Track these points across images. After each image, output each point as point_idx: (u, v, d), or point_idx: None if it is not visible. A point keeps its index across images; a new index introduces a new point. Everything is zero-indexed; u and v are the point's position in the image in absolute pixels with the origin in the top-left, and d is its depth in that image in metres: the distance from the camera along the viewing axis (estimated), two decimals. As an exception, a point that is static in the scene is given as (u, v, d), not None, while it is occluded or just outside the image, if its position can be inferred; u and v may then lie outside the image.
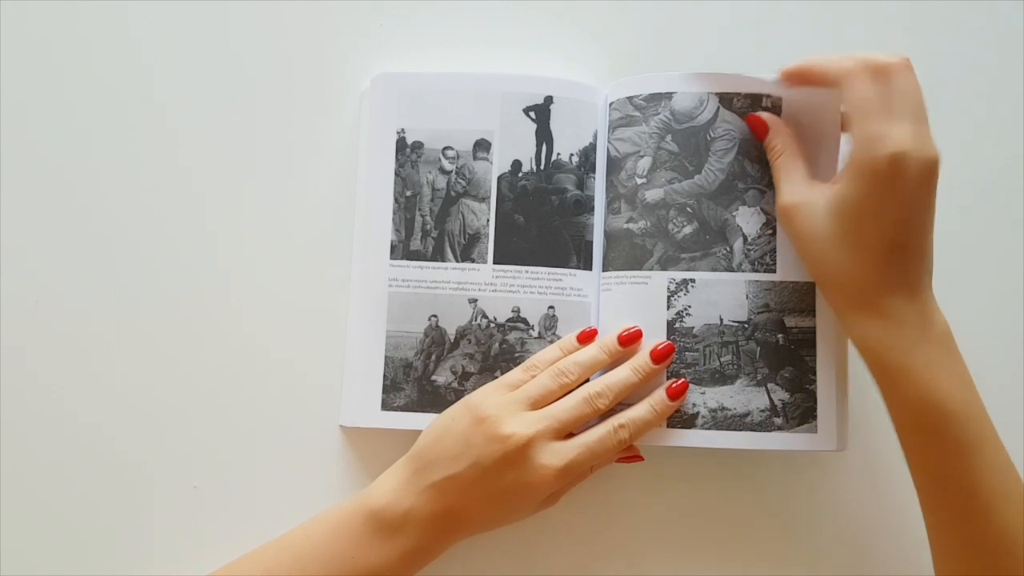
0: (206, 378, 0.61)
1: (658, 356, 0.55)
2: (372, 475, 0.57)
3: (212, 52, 0.63)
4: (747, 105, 0.57)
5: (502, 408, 0.52)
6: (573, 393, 0.54)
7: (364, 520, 0.52)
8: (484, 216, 0.59)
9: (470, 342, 0.58)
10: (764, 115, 0.56)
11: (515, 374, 0.55)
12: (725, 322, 0.56)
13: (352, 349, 0.60)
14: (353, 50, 0.63)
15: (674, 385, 0.55)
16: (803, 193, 0.53)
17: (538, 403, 0.53)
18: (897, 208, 0.48)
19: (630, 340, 0.55)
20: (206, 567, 0.54)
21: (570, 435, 0.53)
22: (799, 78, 0.54)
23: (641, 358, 0.55)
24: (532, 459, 0.51)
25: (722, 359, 0.56)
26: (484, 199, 0.59)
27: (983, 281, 0.63)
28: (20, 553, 0.60)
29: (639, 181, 0.58)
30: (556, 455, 0.51)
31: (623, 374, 0.54)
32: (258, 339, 0.61)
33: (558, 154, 0.59)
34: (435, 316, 0.59)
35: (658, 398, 0.54)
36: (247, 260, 0.62)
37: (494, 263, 0.58)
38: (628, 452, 0.56)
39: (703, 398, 0.56)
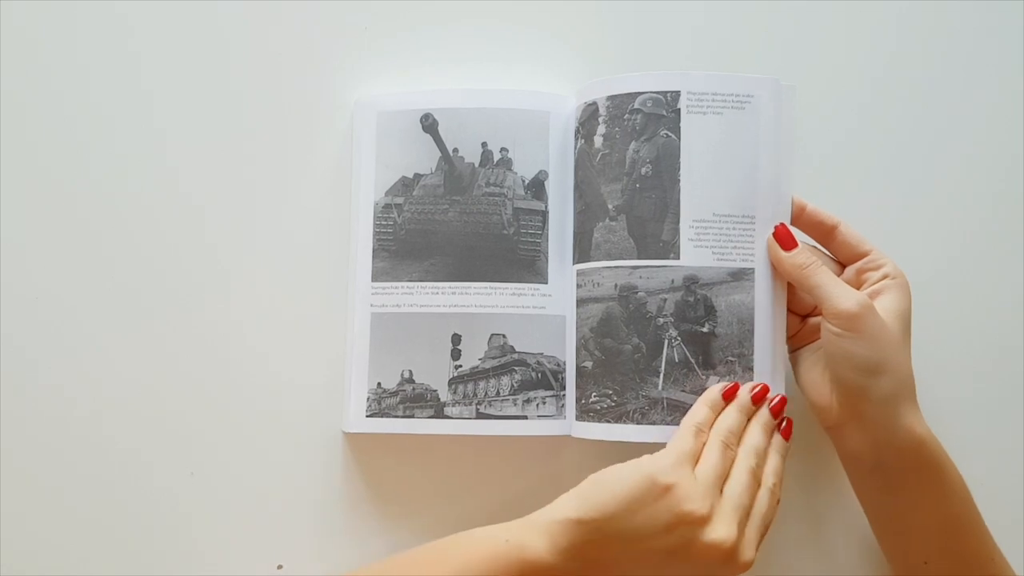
0: (204, 373, 0.62)
1: (776, 413, 0.56)
2: (366, 471, 0.60)
3: (207, 70, 0.64)
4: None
5: (706, 501, 0.50)
6: (742, 471, 0.53)
7: (520, 571, 0.50)
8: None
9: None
10: (792, 228, 0.58)
11: (688, 441, 0.53)
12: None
13: (350, 354, 0.61)
14: (343, 67, 0.64)
15: (774, 405, 0.56)
16: (864, 297, 0.54)
17: (720, 484, 0.52)
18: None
19: (760, 398, 0.56)
20: (201, 550, 0.57)
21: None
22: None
23: (765, 414, 0.56)
24: (736, 558, 0.51)
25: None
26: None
27: (982, 282, 0.65)
28: (22, 535, 0.61)
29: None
30: (750, 546, 0.51)
31: (759, 439, 0.55)
32: (256, 336, 0.63)
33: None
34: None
35: (779, 443, 0.56)
36: (247, 259, 0.63)
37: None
38: (786, 433, 0.57)
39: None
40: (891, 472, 0.55)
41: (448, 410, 0.60)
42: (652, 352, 0.58)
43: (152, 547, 0.61)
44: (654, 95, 0.58)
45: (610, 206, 0.59)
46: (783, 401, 0.56)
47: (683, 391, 0.57)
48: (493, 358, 0.60)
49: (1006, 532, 0.58)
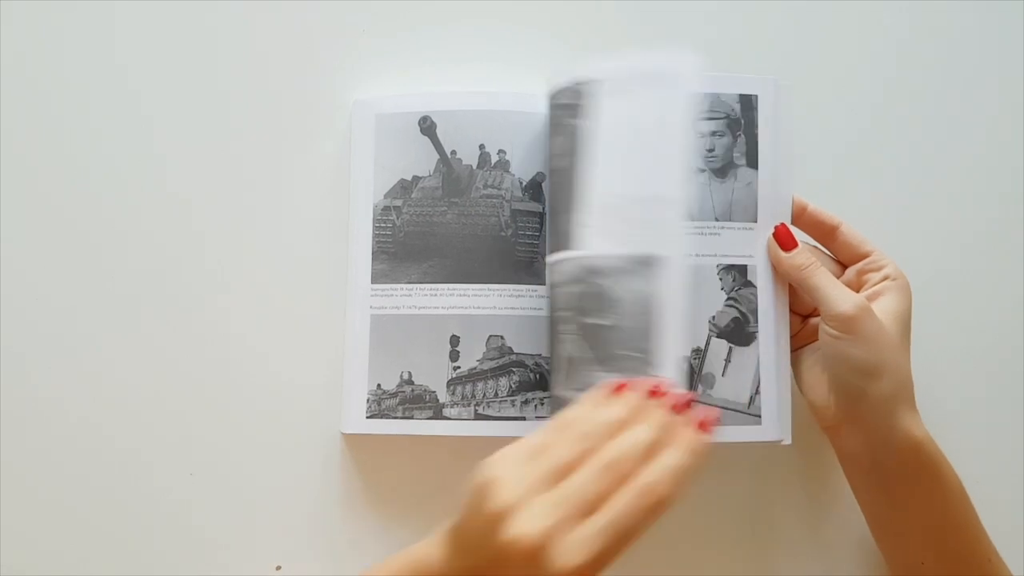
0: (203, 374, 0.62)
1: (680, 409, 0.48)
2: (365, 472, 0.61)
3: (206, 70, 0.64)
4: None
5: (517, 491, 0.43)
6: (595, 463, 0.44)
7: None
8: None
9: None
10: (792, 228, 0.57)
11: (539, 436, 0.46)
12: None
13: (349, 356, 0.61)
14: (342, 67, 0.64)
15: (704, 419, 0.48)
16: (862, 300, 0.54)
17: (560, 477, 0.44)
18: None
19: (659, 394, 0.48)
20: (200, 551, 0.57)
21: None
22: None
23: (659, 411, 0.47)
24: (543, 561, 0.41)
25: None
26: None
27: (983, 282, 0.65)
28: (22, 535, 0.61)
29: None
30: (574, 548, 0.41)
31: (643, 433, 0.46)
32: (256, 338, 0.62)
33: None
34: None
35: (687, 438, 0.46)
36: (247, 260, 0.63)
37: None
38: (704, 425, 0.48)
39: None
40: (888, 473, 0.55)
41: (447, 411, 0.60)
42: (555, 349, 0.57)
43: (151, 547, 0.61)
44: (567, 88, 0.57)
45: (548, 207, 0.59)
46: (689, 398, 0.49)
47: (575, 389, 0.53)
48: (491, 359, 0.60)
49: (1006, 533, 0.58)
